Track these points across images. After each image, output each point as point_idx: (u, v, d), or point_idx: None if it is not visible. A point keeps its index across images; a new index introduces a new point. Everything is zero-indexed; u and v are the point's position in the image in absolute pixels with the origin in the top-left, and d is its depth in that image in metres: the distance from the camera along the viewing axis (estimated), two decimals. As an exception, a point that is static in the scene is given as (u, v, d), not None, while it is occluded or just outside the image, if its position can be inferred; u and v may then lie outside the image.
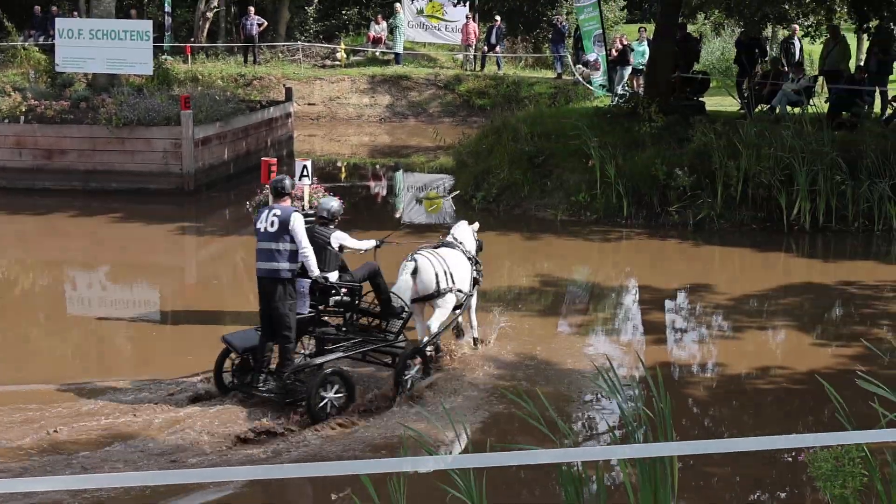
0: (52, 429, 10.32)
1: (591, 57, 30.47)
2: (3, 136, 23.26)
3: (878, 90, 23.75)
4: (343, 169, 27.94)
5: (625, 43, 30.82)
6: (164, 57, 32.40)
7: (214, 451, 9.96)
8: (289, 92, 30.09)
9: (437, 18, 39.24)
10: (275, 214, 11.09)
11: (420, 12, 38.79)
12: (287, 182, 11.44)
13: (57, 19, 27.70)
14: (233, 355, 11.39)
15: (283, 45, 40.89)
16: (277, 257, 11.00)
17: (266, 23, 39.20)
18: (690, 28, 31.48)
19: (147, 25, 25.19)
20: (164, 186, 22.73)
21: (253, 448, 10.06)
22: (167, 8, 41.79)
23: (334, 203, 12.02)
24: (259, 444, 10.15)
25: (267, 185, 13.35)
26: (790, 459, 9.58)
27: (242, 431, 10.34)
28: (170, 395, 11.34)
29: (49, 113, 23.41)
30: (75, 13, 39.82)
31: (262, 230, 11.12)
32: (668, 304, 15.77)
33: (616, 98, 24.09)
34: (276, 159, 14.09)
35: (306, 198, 13.59)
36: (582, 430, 10.72)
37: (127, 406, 10.97)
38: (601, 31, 29.08)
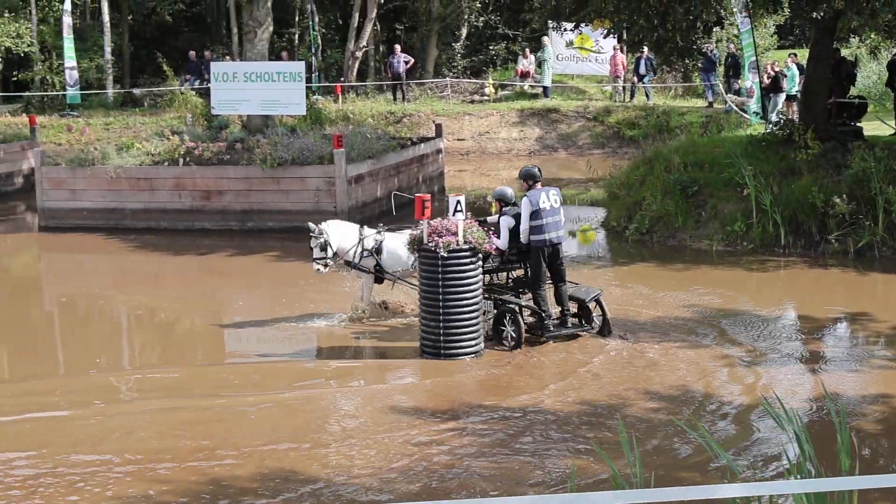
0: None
1: (747, 84, 29.98)
2: (163, 178, 23.92)
3: None
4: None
5: (776, 69, 30.26)
6: (315, 97, 32.94)
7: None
8: (438, 128, 30.28)
9: (586, 50, 39.12)
10: (553, 194, 14.28)
11: (569, 44, 38.71)
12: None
13: (212, 64, 28.39)
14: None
15: (432, 82, 41.25)
16: (562, 226, 14.46)
17: (413, 60, 39.61)
18: (845, 52, 30.73)
19: (300, 67, 25.65)
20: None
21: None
22: (312, 49, 42.56)
23: (508, 190, 14.90)
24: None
25: (422, 221, 13.76)
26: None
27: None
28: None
29: (206, 155, 23.99)
30: (228, 57, 40.87)
31: (549, 207, 14.12)
32: (831, 333, 15.31)
33: (770, 125, 23.58)
34: (429, 195, 14.13)
35: (461, 233, 13.58)
36: (754, 463, 10.40)
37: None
38: (755, 57, 28.58)
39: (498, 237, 14.45)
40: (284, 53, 41.27)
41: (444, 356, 13.79)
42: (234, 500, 9.86)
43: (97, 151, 25.24)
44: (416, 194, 14.41)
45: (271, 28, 26.48)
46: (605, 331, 14.67)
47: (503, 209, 14.81)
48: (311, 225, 15.54)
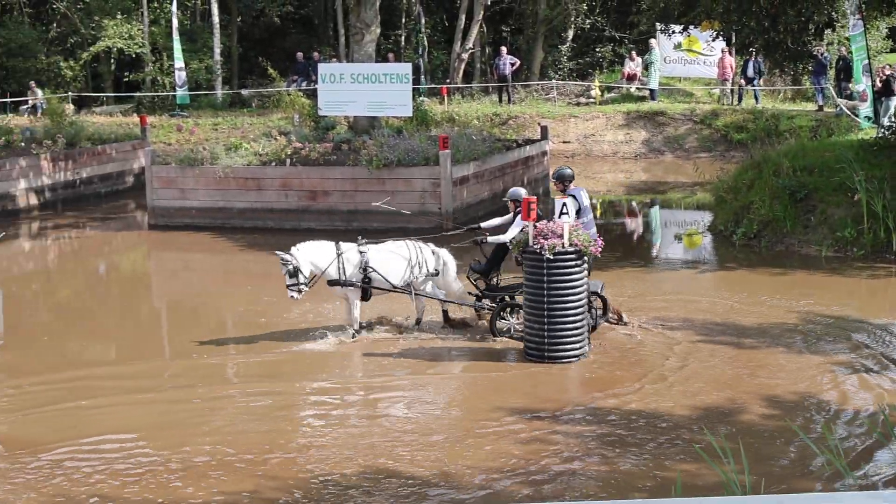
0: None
1: (859, 87, 29.42)
2: (270, 178, 24.20)
3: None
4: (599, 206, 27.77)
5: (888, 73, 29.63)
6: (421, 99, 33.07)
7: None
8: (544, 130, 30.19)
9: (694, 52, 38.70)
10: (586, 193, 14.93)
11: (677, 47, 38.33)
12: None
13: (319, 65, 28.66)
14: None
15: (538, 84, 41.15)
16: None
17: (519, 62, 39.56)
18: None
19: (406, 69, 25.76)
20: (422, 225, 23.08)
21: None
22: (418, 51, 42.74)
23: (522, 190, 15.05)
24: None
25: (527, 223, 13.71)
26: None
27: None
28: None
29: (313, 155, 24.22)
30: (334, 58, 41.22)
31: (588, 206, 14.81)
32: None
33: (882, 130, 23.07)
34: (535, 197, 14.09)
35: (566, 235, 13.51)
36: (871, 472, 10.16)
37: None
38: (867, 61, 28.04)
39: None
40: (391, 55, 41.53)
41: (547, 359, 13.72)
42: (339, 496, 9.91)
43: (206, 151, 25.63)
44: (523, 196, 14.41)
45: (378, 30, 26.64)
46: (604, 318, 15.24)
47: (517, 209, 14.93)
48: (279, 253, 15.04)
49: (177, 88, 41.41)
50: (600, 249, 14.06)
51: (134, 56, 44.87)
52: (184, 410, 12.62)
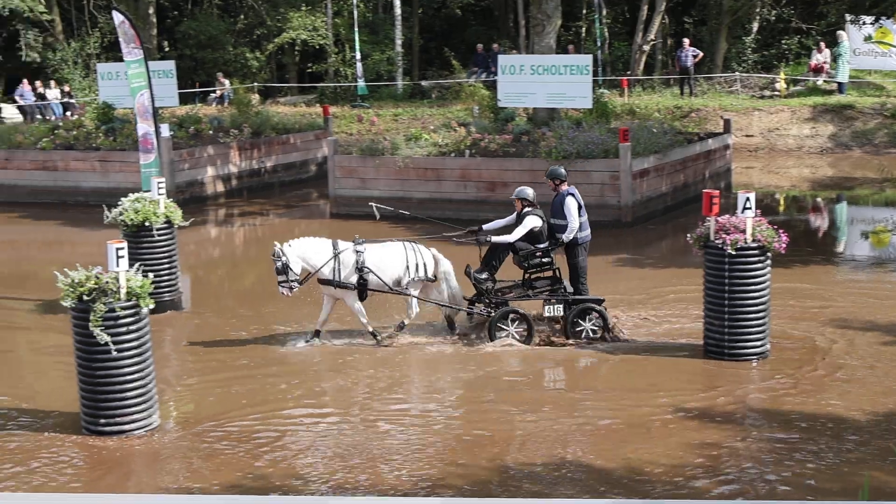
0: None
1: None
2: (449, 169, 24.35)
3: None
4: (782, 201, 27.12)
5: None
6: (601, 91, 32.81)
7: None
8: (727, 123, 29.61)
9: (886, 45, 37.41)
10: (579, 194, 14.89)
11: (868, 39, 37.10)
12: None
13: (499, 56, 28.67)
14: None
15: (720, 76, 40.40)
16: None
17: (701, 54, 38.90)
18: None
19: (587, 60, 25.56)
20: (600, 218, 22.88)
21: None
22: (598, 42, 42.42)
23: (529, 190, 15.06)
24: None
25: (709, 218, 13.44)
26: None
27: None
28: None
29: (492, 147, 24.26)
30: (514, 50, 41.22)
31: (583, 204, 14.80)
32: None
33: None
34: (717, 191, 13.81)
35: (749, 231, 13.22)
36: None
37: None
38: None
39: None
40: (571, 47, 41.36)
41: (728, 356, 13.48)
42: (520, 483, 9.92)
43: (386, 141, 25.94)
44: (704, 190, 14.15)
45: (559, 22, 26.51)
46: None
47: (524, 209, 14.96)
48: (276, 245, 14.64)
49: (358, 79, 42.03)
50: (784, 246, 13.71)
51: (317, 47, 45.70)
52: (374, 390, 12.83)
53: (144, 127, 19.02)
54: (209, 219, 26.25)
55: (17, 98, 41.35)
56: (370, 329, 14.78)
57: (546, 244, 14.82)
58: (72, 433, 11.72)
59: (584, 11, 47.29)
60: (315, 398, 12.89)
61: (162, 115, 28.65)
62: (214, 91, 42.21)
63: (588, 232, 15.04)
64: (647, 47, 42.42)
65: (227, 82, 41.91)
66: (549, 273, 14.99)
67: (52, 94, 41.16)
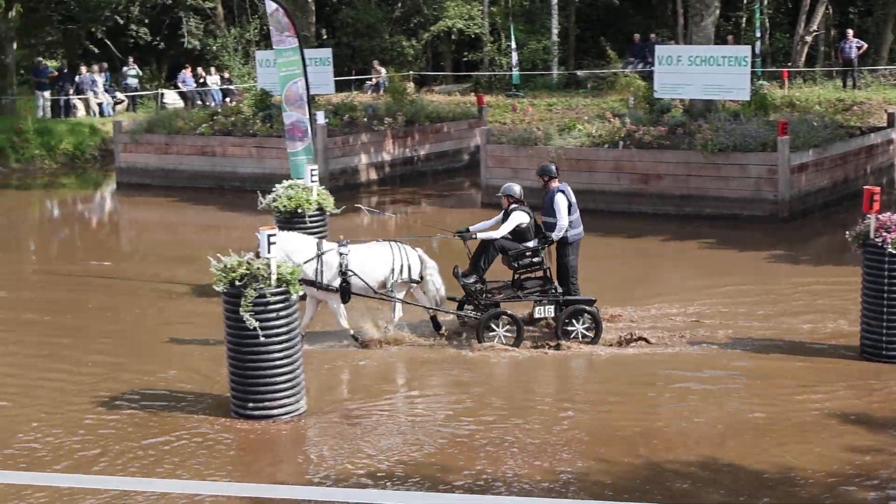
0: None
1: None
2: (602, 160, 24.10)
3: None
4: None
5: None
6: (759, 82, 32.07)
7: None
8: (891, 117, 28.63)
9: None
10: (571, 191, 14.57)
11: None
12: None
13: (657, 46, 28.24)
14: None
15: (886, 69, 39.17)
16: None
17: (866, 45, 37.77)
18: None
19: (745, 51, 24.97)
20: (756, 213, 22.44)
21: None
22: (758, 33, 41.51)
23: (516, 187, 14.78)
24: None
25: (869, 215, 13.00)
26: None
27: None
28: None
29: (646, 138, 23.90)
30: (671, 40, 40.63)
31: (575, 202, 14.51)
32: None
33: None
34: (878, 188, 13.33)
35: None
36: None
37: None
38: None
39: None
40: (730, 37, 40.57)
41: (885, 358, 13.03)
42: (671, 484, 9.74)
43: (539, 131, 25.79)
44: (865, 186, 13.67)
45: (718, 12, 26.01)
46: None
47: (510, 206, 14.61)
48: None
49: (512, 69, 41.95)
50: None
51: (473, 36, 45.75)
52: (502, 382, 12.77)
53: (294, 115, 19.22)
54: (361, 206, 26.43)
55: (178, 84, 42.39)
56: (351, 332, 14.41)
57: (535, 243, 14.48)
58: (221, 416, 11.91)
59: (745, 1, 46.34)
60: (456, 388, 12.88)
61: (317, 103, 29.02)
62: (370, 79, 42.58)
63: (579, 230, 14.71)
64: (809, 38, 41.36)
65: (382, 70, 42.23)
66: (540, 273, 14.60)
67: (212, 80, 42.07)
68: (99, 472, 10.42)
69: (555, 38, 43.75)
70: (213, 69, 42.71)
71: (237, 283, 11.57)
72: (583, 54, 46.93)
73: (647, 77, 29.50)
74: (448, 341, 14.49)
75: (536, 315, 14.62)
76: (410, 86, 38.56)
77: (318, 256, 14.13)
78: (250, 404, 11.73)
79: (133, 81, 41.99)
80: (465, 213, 25.64)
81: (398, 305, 14.57)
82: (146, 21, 45.44)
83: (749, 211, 22.52)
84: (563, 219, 14.38)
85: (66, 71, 40.63)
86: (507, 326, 14.18)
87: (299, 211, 16.66)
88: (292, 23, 19.23)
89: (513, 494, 9.61)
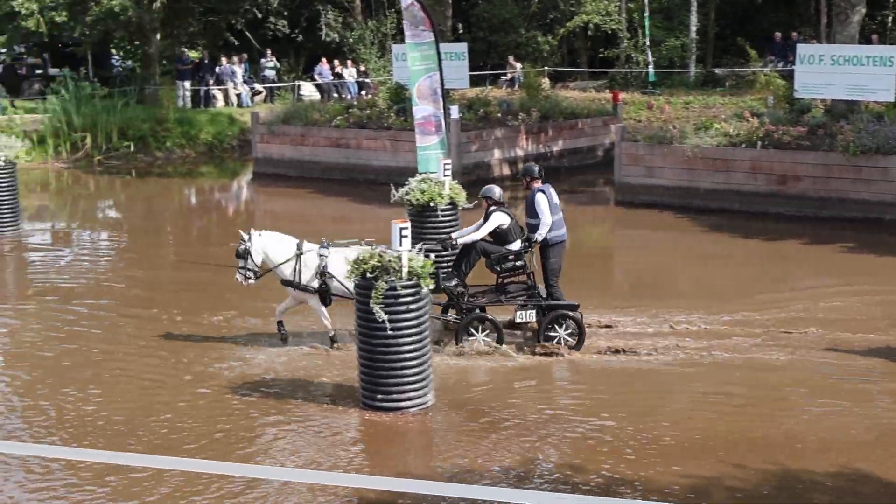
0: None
1: None
2: (739, 160, 23.67)
3: None
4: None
5: None
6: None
7: None
8: None
9: None
10: (554, 191, 14.54)
11: None
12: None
13: (798, 45, 27.63)
14: None
15: None
16: None
17: None
18: None
19: (892, 51, 24.25)
20: None
21: None
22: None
23: (497, 189, 14.61)
24: None
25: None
26: None
27: None
28: None
29: (785, 139, 23.40)
30: (814, 39, 39.71)
31: (557, 203, 14.45)
32: None
33: None
34: None
35: None
36: None
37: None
38: None
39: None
40: (875, 37, 39.47)
41: None
42: (803, 492, 9.52)
43: (675, 130, 25.45)
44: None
45: (864, 10, 25.32)
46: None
47: (489, 208, 14.44)
48: (247, 234, 14.19)
49: (648, 66, 41.51)
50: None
51: (609, 32, 45.36)
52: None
53: (425, 109, 19.23)
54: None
55: (315, 76, 42.88)
56: (331, 334, 14.28)
57: (518, 245, 14.28)
58: (350, 407, 11.99)
59: (892, 0, 45.09)
60: (572, 388, 12.77)
61: (452, 97, 29.06)
62: (505, 74, 42.53)
63: (561, 232, 14.47)
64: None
65: (517, 65, 42.14)
66: (523, 277, 14.38)
67: (349, 73, 42.45)
68: (227, 459, 10.58)
69: (693, 35, 43.12)
70: (349, 62, 43.08)
71: (368, 275, 11.64)
72: (721, 52, 46.12)
73: (788, 76, 28.87)
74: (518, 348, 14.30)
75: (518, 319, 14.44)
76: (545, 81, 38.32)
77: (297, 256, 14.04)
78: (379, 396, 11.79)
79: (271, 73, 42.63)
80: (598, 210, 25.53)
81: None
82: (285, 14, 46.01)
83: (891, 215, 21.89)
84: (545, 217, 14.22)
85: (206, 62, 41.46)
86: (486, 330, 13.99)
87: (431, 205, 16.71)
88: (428, 17, 19.26)
89: (646, 497, 9.48)
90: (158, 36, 40.41)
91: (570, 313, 14.09)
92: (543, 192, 14.44)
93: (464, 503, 9.64)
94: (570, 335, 14.01)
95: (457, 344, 13.96)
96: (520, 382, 13.03)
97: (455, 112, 26.94)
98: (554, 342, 13.99)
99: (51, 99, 34.49)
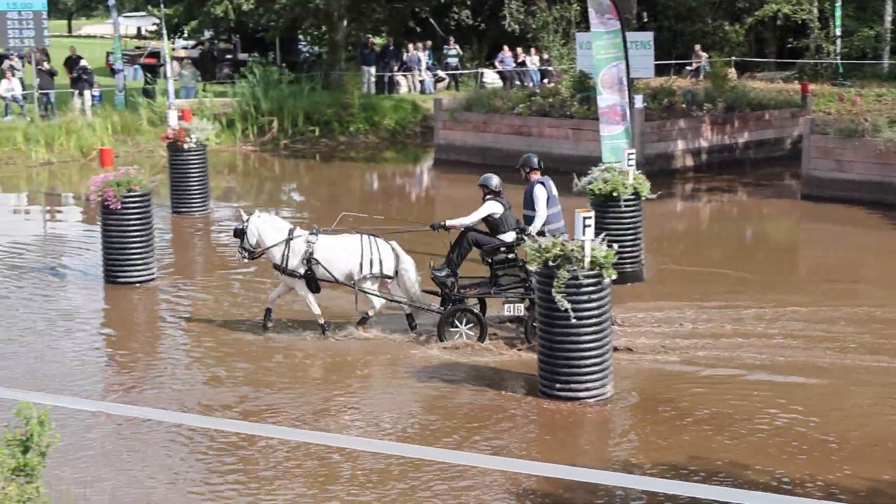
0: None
1: None
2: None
3: None
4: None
5: None
6: None
7: None
8: None
9: None
10: (552, 183, 14.33)
11: None
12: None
13: None
14: None
15: None
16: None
17: None
18: None
19: None
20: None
21: None
22: None
23: (494, 178, 14.29)
24: None
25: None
26: None
27: None
28: None
29: None
30: None
31: (556, 195, 14.28)
32: None
33: None
34: None
35: None
36: None
37: None
38: None
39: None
40: None
41: None
42: None
43: (867, 123, 24.65)
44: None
45: None
46: None
47: (486, 197, 14.24)
48: (248, 214, 14.64)
49: (836, 56, 40.34)
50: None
51: (799, 22, 44.21)
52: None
53: (611, 98, 19.02)
54: (676, 192, 26.06)
55: (497, 64, 42.93)
56: (321, 322, 14.30)
57: (512, 237, 13.98)
58: (528, 395, 11.98)
59: None
60: (776, 380, 12.48)
61: (636, 87, 28.72)
62: (690, 63, 41.84)
63: (559, 225, 14.17)
64: None
65: (704, 55, 41.40)
66: (516, 270, 13.97)
67: (531, 61, 42.38)
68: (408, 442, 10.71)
69: (888, 25, 41.68)
70: (532, 50, 43.00)
71: (551, 263, 11.60)
72: (917, 43, 44.54)
73: None
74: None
75: (506, 313, 14.10)
76: (732, 72, 37.62)
77: (287, 242, 14.22)
78: (557, 385, 11.76)
79: (453, 61, 42.87)
80: (783, 203, 24.97)
81: (375, 301, 14.33)
82: (468, 2, 46.19)
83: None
84: (541, 209, 14.04)
85: (391, 48, 41.94)
86: (469, 323, 13.81)
87: (614, 195, 16.54)
88: (615, 5, 19.06)
89: (827, 498, 9.22)
90: (345, 23, 41.05)
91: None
92: (543, 183, 14.29)
93: (662, 497, 9.52)
94: None
95: (440, 339, 13.79)
96: (702, 373, 12.80)
97: (639, 101, 26.60)
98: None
99: (240, 83, 35.38)
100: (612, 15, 18.93)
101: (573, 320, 11.50)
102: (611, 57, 18.95)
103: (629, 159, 16.92)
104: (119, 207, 17.04)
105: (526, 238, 13.35)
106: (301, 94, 35.60)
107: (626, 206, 16.66)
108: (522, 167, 14.70)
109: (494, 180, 14.34)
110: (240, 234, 14.65)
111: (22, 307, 15.95)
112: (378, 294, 14.31)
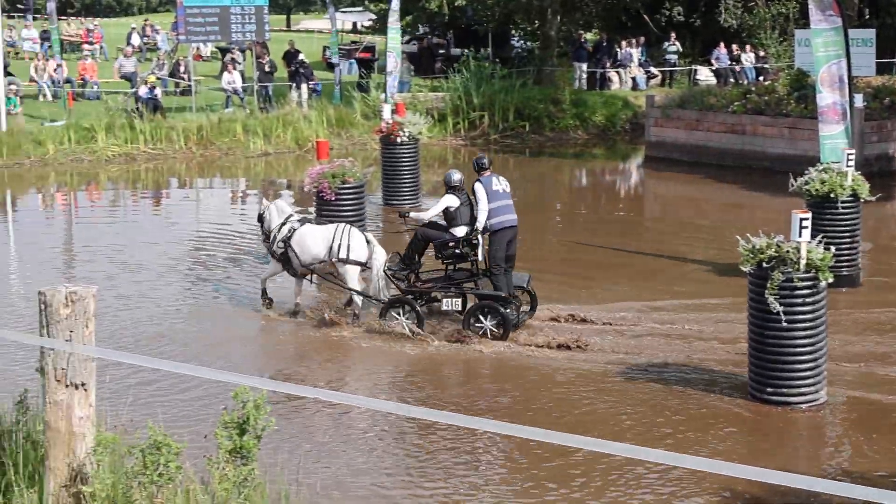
0: None
1: None
2: None
3: None
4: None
5: None
6: None
7: None
8: None
9: None
10: (503, 179, 14.57)
11: None
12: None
13: None
14: None
15: None
16: (514, 210, 14.50)
17: None
18: None
19: None
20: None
21: None
22: None
23: (456, 174, 14.58)
24: None
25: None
26: None
27: None
28: None
29: None
30: None
31: (501, 191, 14.37)
32: None
33: None
34: None
35: None
36: None
37: None
38: None
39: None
40: None
41: None
42: None
43: None
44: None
45: None
46: (531, 314, 14.77)
47: (447, 192, 14.54)
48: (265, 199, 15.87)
49: None
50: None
51: None
52: None
53: (830, 97, 18.49)
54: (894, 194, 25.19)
55: (712, 61, 42.29)
56: (295, 303, 15.17)
57: (463, 231, 14.30)
58: (738, 397, 11.83)
59: None
60: None
61: (856, 85, 27.87)
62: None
63: (501, 219, 14.31)
64: None
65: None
66: (467, 265, 14.48)
67: (747, 58, 41.59)
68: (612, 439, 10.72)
69: None
70: (747, 47, 42.19)
71: (765, 265, 11.41)
72: None
73: None
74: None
75: (444, 307, 14.56)
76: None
77: (280, 226, 15.06)
78: (768, 389, 11.57)
79: (672, 57, 42.41)
80: None
81: (353, 278, 14.83)
82: (683, -2, 45.63)
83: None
84: (482, 204, 14.25)
85: (603, 44, 41.76)
86: (407, 314, 14.11)
87: (832, 196, 16.13)
88: (836, 2, 18.55)
89: None
90: (557, 18, 41.09)
91: (498, 305, 13.96)
92: (480, 181, 14.40)
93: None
94: (495, 326, 13.88)
95: (380, 318, 14.28)
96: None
97: (859, 100, 25.81)
98: (480, 333, 13.92)
99: (453, 78, 35.82)
100: (834, 11, 18.42)
101: (784, 323, 11.29)
102: (831, 54, 18.43)
103: (848, 160, 16.46)
104: (333, 199, 17.54)
105: (473, 233, 14.25)
106: (512, 90, 35.84)
107: (843, 207, 16.23)
108: (473, 168, 14.92)
109: (456, 176, 14.75)
110: (259, 218, 15.72)
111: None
112: (345, 281, 14.85)
